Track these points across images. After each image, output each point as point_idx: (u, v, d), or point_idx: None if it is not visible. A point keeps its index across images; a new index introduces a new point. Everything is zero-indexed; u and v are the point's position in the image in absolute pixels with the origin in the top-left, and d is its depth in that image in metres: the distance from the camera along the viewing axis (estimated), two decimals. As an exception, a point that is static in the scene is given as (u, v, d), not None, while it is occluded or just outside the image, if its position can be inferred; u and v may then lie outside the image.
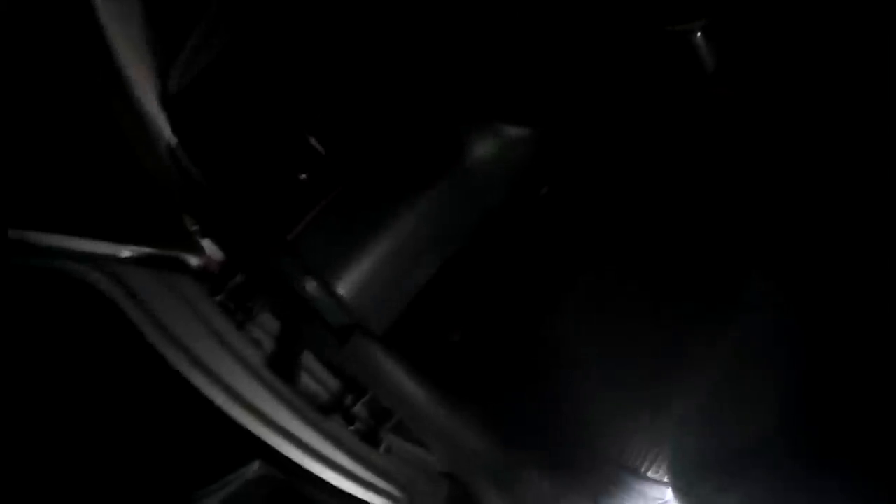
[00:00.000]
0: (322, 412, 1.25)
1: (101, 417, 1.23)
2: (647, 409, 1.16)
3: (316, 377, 1.29)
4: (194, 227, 1.28)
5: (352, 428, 1.25)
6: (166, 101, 1.16)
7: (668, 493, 1.17)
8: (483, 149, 1.06)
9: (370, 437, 1.27)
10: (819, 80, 1.11)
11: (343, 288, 1.04)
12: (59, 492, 1.20)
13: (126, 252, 1.31)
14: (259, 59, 1.10)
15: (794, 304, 1.04)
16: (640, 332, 1.15)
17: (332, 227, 1.02)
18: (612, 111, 1.09)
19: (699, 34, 1.06)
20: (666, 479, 1.17)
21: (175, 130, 1.12)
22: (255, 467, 1.21)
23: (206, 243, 1.29)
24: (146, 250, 1.31)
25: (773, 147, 1.12)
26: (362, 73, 1.07)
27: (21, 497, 1.20)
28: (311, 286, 1.06)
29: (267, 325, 1.29)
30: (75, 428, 1.23)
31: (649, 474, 1.18)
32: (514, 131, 1.06)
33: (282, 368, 1.26)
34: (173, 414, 1.23)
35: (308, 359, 1.28)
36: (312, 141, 1.02)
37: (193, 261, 1.31)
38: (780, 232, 1.07)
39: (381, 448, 1.27)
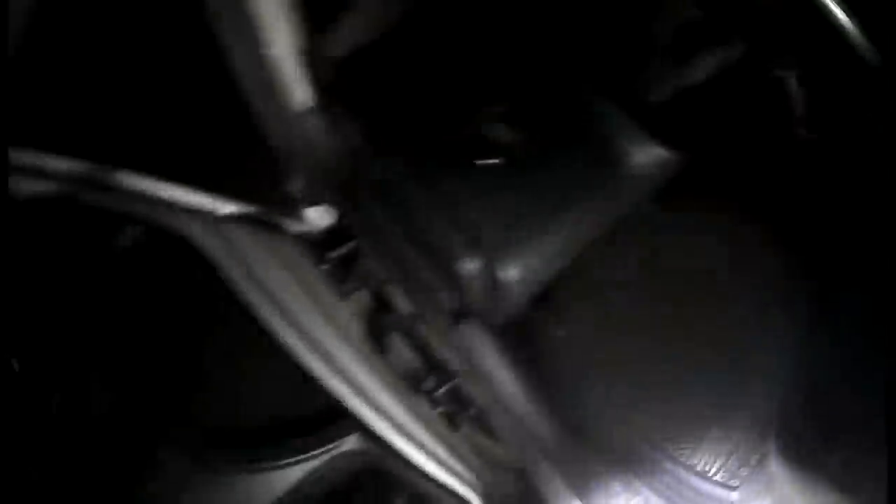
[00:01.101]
0: (412, 389, 1.26)
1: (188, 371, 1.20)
2: (718, 417, 1.26)
3: (404, 357, 1.30)
4: (300, 194, 1.27)
5: (439, 410, 1.27)
6: (311, 64, 1.14)
7: (734, 496, 1.27)
8: (637, 160, 1.12)
9: (451, 421, 1.29)
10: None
11: (505, 274, 1.05)
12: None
13: (228, 208, 1.27)
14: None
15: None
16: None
17: (507, 209, 1.03)
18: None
19: (794, 80, 1.19)
20: (733, 483, 1.26)
21: (329, 93, 1.11)
22: (352, 440, 1.21)
23: (312, 212, 1.28)
24: (248, 209, 1.28)
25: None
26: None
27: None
28: (470, 265, 1.06)
29: (363, 300, 1.29)
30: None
31: (717, 478, 1.27)
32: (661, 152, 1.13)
33: (378, 342, 1.27)
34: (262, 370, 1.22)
35: (396, 339, 1.29)
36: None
37: (294, 227, 1.29)
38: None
39: (460, 433, 1.30)
